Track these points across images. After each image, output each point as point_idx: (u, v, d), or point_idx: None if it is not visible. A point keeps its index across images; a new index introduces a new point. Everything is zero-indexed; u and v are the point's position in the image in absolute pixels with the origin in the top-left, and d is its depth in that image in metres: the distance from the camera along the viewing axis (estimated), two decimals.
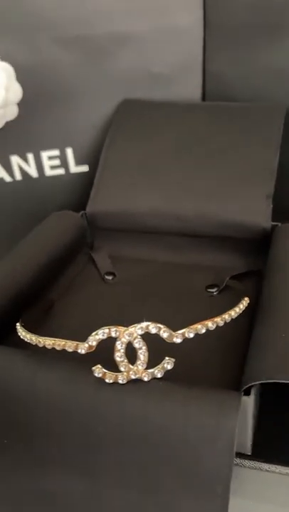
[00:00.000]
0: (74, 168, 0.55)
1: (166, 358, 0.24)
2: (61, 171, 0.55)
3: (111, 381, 0.23)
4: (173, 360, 0.23)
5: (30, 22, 0.46)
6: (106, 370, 0.23)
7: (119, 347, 0.23)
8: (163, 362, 0.23)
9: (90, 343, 0.23)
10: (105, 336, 0.23)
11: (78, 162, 0.55)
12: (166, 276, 0.41)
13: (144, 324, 0.23)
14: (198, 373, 0.28)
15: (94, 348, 0.23)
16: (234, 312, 0.26)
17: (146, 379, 0.23)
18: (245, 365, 0.25)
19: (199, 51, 0.49)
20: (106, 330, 0.23)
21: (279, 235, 0.37)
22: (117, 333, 0.23)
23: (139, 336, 0.23)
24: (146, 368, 0.24)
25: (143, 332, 0.23)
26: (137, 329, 0.23)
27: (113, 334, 0.23)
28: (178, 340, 0.23)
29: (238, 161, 0.42)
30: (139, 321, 0.23)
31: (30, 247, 0.40)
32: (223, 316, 0.25)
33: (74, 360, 0.25)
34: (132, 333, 0.23)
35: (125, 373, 0.23)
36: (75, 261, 0.43)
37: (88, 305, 0.38)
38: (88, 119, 0.53)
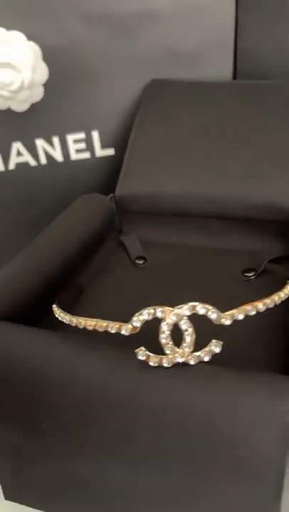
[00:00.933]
0: (100, 152, 0.54)
1: (213, 340, 0.22)
2: (87, 155, 0.54)
3: (155, 364, 0.22)
4: (221, 342, 0.22)
5: (55, 1, 0.45)
6: (150, 353, 0.22)
7: (165, 328, 0.22)
8: (210, 344, 0.22)
9: (134, 323, 0.22)
10: (150, 317, 0.22)
11: (104, 145, 0.54)
12: (198, 260, 0.40)
13: (191, 304, 0.22)
14: (243, 356, 0.27)
15: (138, 330, 0.22)
16: (283, 294, 0.24)
17: (192, 362, 0.22)
18: None
19: (231, 27, 0.47)
20: (151, 310, 0.22)
21: None
22: (163, 314, 0.22)
23: (186, 317, 0.22)
24: (193, 351, 0.22)
25: (190, 313, 0.22)
26: (185, 310, 0.22)
27: (159, 315, 0.22)
28: (227, 321, 0.22)
29: (272, 141, 0.41)
30: (180, 303, 0.22)
31: (59, 231, 0.39)
32: (273, 297, 0.23)
33: (114, 342, 0.24)
34: (179, 314, 0.22)
35: (170, 356, 0.22)
36: (104, 245, 0.42)
37: (120, 290, 0.37)
38: (114, 101, 0.51)
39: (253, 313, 0.23)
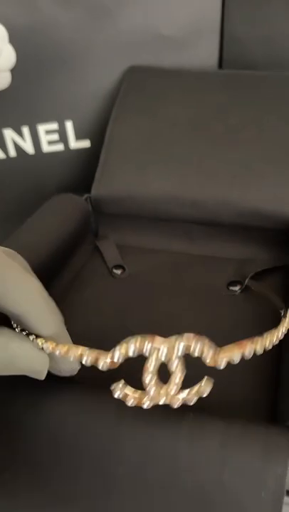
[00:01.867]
0: (74, 144, 0.50)
1: (205, 378, 0.19)
2: (60, 147, 0.50)
3: (133, 405, 0.19)
4: (211, 381, 0.19)
5: None
6: (129, 390, 0.19)
7: (151, 367, 0.19)
8: (199, 384, 0.19)
9: (114, 359, 0.19)
10: (135, 354, 0.19)
11: (79, 137, 0.50)
12: (181, 270, 0.37)
13: (185, 340, 0.18)
14: (230, 394, 0.24)
15: (117, 365, 0.19)
16: (281, 333, 0.21)
17: (176, 406, 0.19)
18: (283, 401, 0.22)
19: (217, 11, 0.43)
20: (137, 344, 0.19)
21: None
22: (151, 349, 0.19)
23: (178, 357, 0.19)
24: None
25: (183, 353, 0.19)
26: (178, 347, 0.18)
27: (145, 351, 0.19)
28: (222, 365, 0.19)
29: (262, 140, 0.38)
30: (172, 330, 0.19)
31: (29, 235, 0.35)
32: (272, 337, 0.20)
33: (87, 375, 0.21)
34: (170, 352, 0.19)
35: (153, 395, 0.19)
36: (79, 251, 0.39)
37: (95, 305, 0.34)
38: (90, 89, 0.47)
39: (250, 354, 0.20)
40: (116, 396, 0.19)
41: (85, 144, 0.50)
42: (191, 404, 0.19)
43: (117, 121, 0.42)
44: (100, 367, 0.19)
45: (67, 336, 0.21)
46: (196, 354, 0.19)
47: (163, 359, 0.19)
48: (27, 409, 0.22)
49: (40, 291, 0.20)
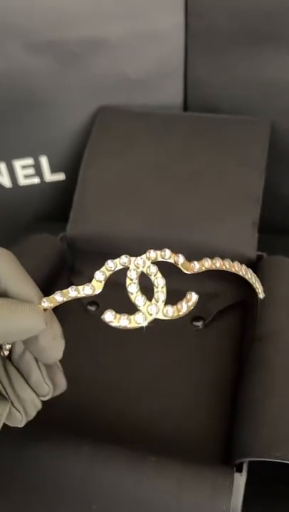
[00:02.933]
0: (49, 177, 0.53)
1: (188, 292, 0.21)
2: (36, 180, 0.53)
3: (126, 323, 0.20)
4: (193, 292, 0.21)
5: (0, 29, 0.42)
6: (115, 313, 0.20)
7: (133, 275, 0.20)
8: (187, 295, 0.21)
9: (97, 276, 0.21)
10: (116, 268, 0.21)
11: (54, 170, 0.52)
12: None
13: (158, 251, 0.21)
14: (189, 431, 0.28)
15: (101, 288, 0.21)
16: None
17: (170, 314, 0.20)
18: (236, 435, 0.25)
19: (180, 57, 0.46)
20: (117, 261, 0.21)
21: (265, 268, 0.37)
22: (128, 261, 0.21)
23: (150, 265, 0.21)
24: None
25: (156, 258, 0.21)
26: (150, 254, 0.21)
27: (124, 263, 0.21)
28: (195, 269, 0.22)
29: (222, 184, 0.41)
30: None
31: None
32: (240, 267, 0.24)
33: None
34: (145, 259, 0.21)
35: (143, 309, 0.20)
36: (54, 288, 0.42)
37: (70, 343, 0.37)
38: (63, 126, 0.50)
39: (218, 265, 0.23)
40: (107, 318, 0.20)
41: (60, 176, 0.53)
42: (184, 311, 0.21)
43: (88, 164, 0.45)
44: (83, 292, 0.21)
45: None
46: (167, 258, 0.21)
47: (140, 264, 0.21)
48: (14, 457, 0.25)
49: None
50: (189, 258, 0.41)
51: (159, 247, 0.41)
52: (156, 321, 0.40)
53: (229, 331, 0.37)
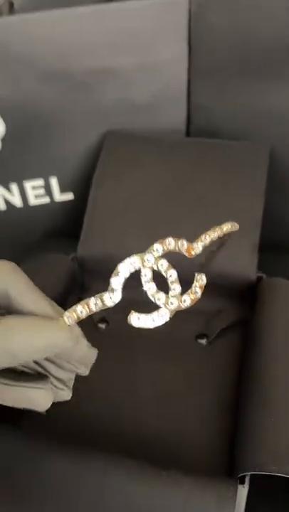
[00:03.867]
0: (59, 197, 0.55)
1: (196, 273, 0.23)
2: (46, 200, 0.55)
3: (146, 321, 0.21)
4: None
5: (12, 59, 0.45)
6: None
7: (147, 277, 0.21)
8: (195, 279, 0.23)
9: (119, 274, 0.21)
10: (128, 272, 0.22)
11: (63, 190, 0.55)
12: None
13: (159, 244, 0.22)
14: (195, 446, 0.31)
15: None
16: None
17: (188, 303, 0.22)
18: (238, 450, 0.28)
19: (183, 85, 0.48)
20: (125, 264, 0.22)
21: (264, 290, 0.39)
22: (139, 261, 0.22)
23: (161, 258, 0.22)
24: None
25: (162, 252, 0.22)
26: (156, 247, 0.22)
27: (135, 265, 0.22)
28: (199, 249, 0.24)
29: (224, 207, 0.43)
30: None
31: None
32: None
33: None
34: (153, 255, 0.22)
35: (164, 302, 0.22)
36: (65, 307, 0.44)
37: None
38: (72, 149, 0.52)
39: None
40: (134, 322, 0.21)
41: (69, 196, 0.55)
42: (199, 296, 0.22)
43: (97, 186, 0.47)
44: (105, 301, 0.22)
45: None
46: (172, 248, 0.22)
47: (152, 262, 0.22)
48: (30, 470, 0.28)
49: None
50: (192, 276, 0.44)
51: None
52: (163, 337, 0.42)
53: (232, 348, 0.39)
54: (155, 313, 0.22)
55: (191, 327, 0.41)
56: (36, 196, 0.54)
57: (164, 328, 0.42)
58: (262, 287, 0.40)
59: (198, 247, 0.23)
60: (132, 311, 0.22)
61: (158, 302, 0.22)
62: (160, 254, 0.22)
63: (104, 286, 0.49)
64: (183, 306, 0.22)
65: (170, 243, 0.22)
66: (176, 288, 0.22)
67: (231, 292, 0.43)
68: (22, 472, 0.28)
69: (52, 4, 0.54)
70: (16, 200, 0.54)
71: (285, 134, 0.47)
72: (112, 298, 0.22)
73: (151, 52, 0.46)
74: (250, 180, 0.44)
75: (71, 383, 0.25)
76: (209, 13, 0.44)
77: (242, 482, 0.26)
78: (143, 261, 0.22)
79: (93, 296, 0.22)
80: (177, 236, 0.23)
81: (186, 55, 0.47)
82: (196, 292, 0.23)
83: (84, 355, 0.24)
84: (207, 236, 0.24)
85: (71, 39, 0.44)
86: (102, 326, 0.43)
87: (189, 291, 0.23)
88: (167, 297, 0.22)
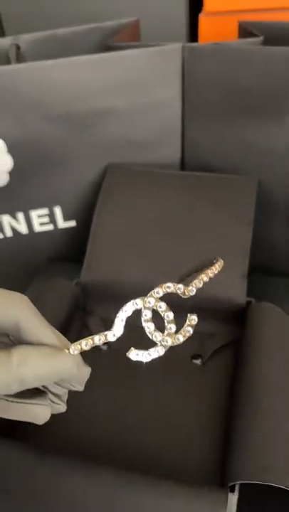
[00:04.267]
0: (62, 224, 0.59)
1: (188, 314, 0.26)
2: (50, 227, 0.59)
3: (149, 357, 0.25)
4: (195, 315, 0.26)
5: (20, 102, 0.49)
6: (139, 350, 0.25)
7: (146, 316, 0.25)
8: (188, 319, 0.26)
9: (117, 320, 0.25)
10: (130, 312, 0.25)
11: (66, 218, 0.59)
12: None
13: (158, 288, 0.25)
14: (188, 457, 0.34)
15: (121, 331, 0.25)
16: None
17: (182, 339, 0.25)
18: (229, 461, 0.31)
19: (178, 123, 0.53)
20: (127, 306, 0.25)
21: (253, 313, 0.43)
22: (141, 303, 0.25)
23: (160, 301, 0.25)
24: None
25: (161, 294, 0.25)
26: (156, 290, 0.25)
27: (137, 306, 0.25)
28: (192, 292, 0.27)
29: (215, 238, 0.47)
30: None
31: None
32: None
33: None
34: (152, 296, 0.25)
35: (161, 340, 0.25)
36: (70, 329, 0.48)
37: (87, 384, 0.42)
38: (75, 181, 0.56)
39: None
40: (133, 357, 0.26)
41: (71, 223, 0.59)
42: (189, 334, 0.26)
43: (99, 216, 0.51)
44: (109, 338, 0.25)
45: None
46: (170, 291, 0.26)
47: (152, 304, 0.25)
48: (48, 482, 0.31)
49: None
50: (186, 302, 0.48)
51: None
52: (161, 358, 0.46)
53: (224, 367, 0.43)
54: (152, 350, 0.26)
55: (186, 348, 0.45)
56: (41, 224, 0.58)
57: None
58: (251, 311, 0.43)
59: (192, 289, 0.27)
60: (132, 348, 0.26)
61: (155, 339, 0.26)
62: (160, 295, 0.26)
63: (106, 309, 0.53)
64: (176, 343, 0.26)
65: (169, 287, 0.26)
66: (172, 328, 0.26)
67: (223, 316, 0.46)
68: (32, 486, 0.31)
69: (55, 47, 0.59)
70: (22, 228, 0.58)
71: (270, 167, 0.51)
72: (115, 335, 0.26)
73: (148, 94, 0.51)
74: (239, 211, 0.48)
75: (66, 397, 0.27)
76: (200, 60, 0.49)
77: (232, 490, 0.29)
78: (145, 302, 0.26)
79: (98, 334, 0.26)
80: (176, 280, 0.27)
81: (180, 97, 0.51)
82: (188, 331, 0.26)
83: (80, 375, 0.26)
84: (201, 281, 0.28)
85: (75, 84, 0.49)
86: (104, 347, 0.46)
87: (182, 330, 0.26)
88: (163, 335, 0.26)
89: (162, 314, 0.26)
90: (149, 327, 0.26)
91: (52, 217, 0.58)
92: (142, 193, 0.52)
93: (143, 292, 0.48)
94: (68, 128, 0.51)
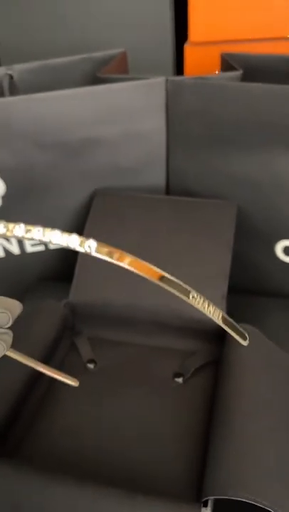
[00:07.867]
0: (52, 245, 0.61)
1: None
2: (41, 248, 0.61)
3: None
4: None
5: (13, 132, 0.51)
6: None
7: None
8: None
9: None
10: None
11: None
12: (139, 362, 0.48)
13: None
14: (164, 471, 0.36)
15: None
16: None
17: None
18: (204, 477, 0.33)
19: (162, 151, 0.56)
20: None
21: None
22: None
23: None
24: None
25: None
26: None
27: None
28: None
29: (196, 261, 0.50)
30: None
31: (23, 346, 0.45)
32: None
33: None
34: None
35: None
36: (59, 346, 0.50)
37: (73, 399, 0.44)
38: (64, 205, 0.59)
39: None
40: None
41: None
42: None
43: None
44: None
45: None
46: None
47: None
48: (31, 497, 0.33)
49: None
50: (170, 322, 0.50)
51: (146, 313, 0.49)
52: (145, 376, 0.48)
53: (204, 385, 0.45)
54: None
55: (168, 367, 0.47)
56: (32, 245, 0.61)
57: (146, 368, 0.48)
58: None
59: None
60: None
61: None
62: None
63: (93, 329, 0.56)
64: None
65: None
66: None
67: (203, 335, 0.49)
68: (13, 500, 0.33)
69: (47, 76, 0.62)
70: (14, 248, 0.60)
71: (248, 193, 0.54)
72: None
73: (134, 123, 0.53)
74: (219, 235, 0.51)
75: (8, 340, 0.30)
76: (183, 93, 0.52)
77: (206, 505, 0.31)
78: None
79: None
80: None
81: (164, 127, 0.54)
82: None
83: None
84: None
85: (65, 115, 0.51)
86: (91, 366, 0.48)
87: None
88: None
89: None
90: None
91: None
92: (128, 216, 0.54)
93: (128, 314, 0.50)
94: (58, 156, 0.54)
